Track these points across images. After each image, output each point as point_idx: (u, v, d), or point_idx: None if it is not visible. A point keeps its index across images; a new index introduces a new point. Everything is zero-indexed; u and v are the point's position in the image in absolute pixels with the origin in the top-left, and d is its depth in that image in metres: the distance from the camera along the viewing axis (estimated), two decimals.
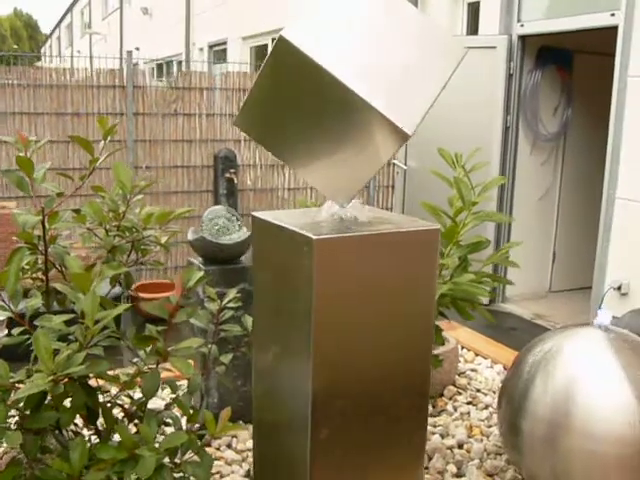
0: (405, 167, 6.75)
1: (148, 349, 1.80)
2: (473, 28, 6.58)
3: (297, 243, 1.49)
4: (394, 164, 6.93)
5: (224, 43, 12.73)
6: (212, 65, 12.37)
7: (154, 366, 1.84)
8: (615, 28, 4.83)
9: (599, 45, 5.66)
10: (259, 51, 11.76)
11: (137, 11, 18.71)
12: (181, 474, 1.84)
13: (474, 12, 6.52)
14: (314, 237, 1.43)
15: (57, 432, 1.97)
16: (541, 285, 6.58)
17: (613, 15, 4.86)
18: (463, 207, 2.26)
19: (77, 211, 2.06)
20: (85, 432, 2.06)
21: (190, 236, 2.71)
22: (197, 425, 1.99)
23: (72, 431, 2.03)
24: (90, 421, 1.91)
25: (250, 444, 2.48)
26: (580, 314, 5.76)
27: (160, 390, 2.54)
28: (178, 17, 14.95)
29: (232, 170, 6.01)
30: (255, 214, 1.69)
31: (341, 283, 1.51)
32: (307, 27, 1.36)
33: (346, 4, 1.44)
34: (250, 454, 2.53)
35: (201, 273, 1.89)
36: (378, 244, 1.53)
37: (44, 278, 1.99)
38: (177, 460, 1.84)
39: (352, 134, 1.42)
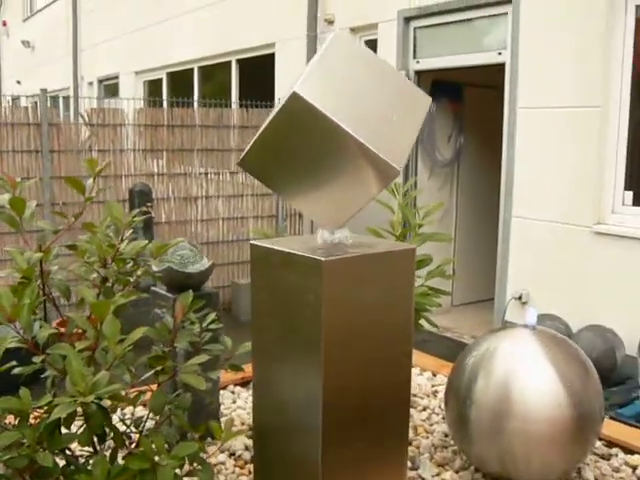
0: None
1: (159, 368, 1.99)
2: None
3: (305, 266, 1.75)
4: None
5: (116, 77, 12.73)
6: (102, 100, 12.31)
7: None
8: (502, 65, 5.41)
9: (486, 79, 6.28)
10: (152, 85, 11.85)
11: (17, 44, 18.26)
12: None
13: (372, 49, 7.02)
14: (323, 259, 1.70)
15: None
16: (444, 300, 7.09)
17: (500, 54, 5.44)
18: (408, 229, 2.60)
19: (72, 247, 2.23)
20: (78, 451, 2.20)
21: (154, 267, 2.89)
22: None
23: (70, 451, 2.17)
24: (100, 440, 2.06)
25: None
26: (483, 324, 6.27)
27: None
28: (64, 50, 14.76)
29: (148, 204, 6.13)
30: (254, 242, 1.94)
31: (344, 300, 1.78)
32: (315, 86, 1.64)
33: (338, 64, 1.74)
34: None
35: (190, 297, 2.14)
36: (372, 263, 1.81)
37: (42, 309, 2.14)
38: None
39: (349, 172, 1.70)
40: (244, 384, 3.67)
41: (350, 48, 1.81)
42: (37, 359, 1.91)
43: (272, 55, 8.39)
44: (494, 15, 5.51)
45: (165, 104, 9.72)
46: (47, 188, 5.69)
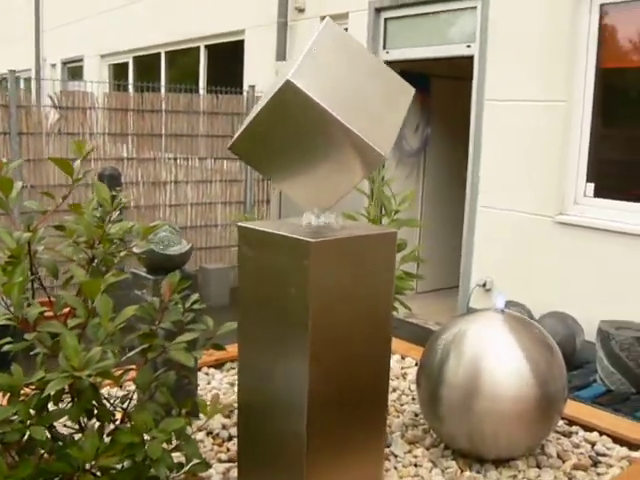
0: None
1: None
2: None
3: (293, 247, 1.82)
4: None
5: (80, 60, 12.57)
6: (67, 83, 12.16)
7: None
8: (471, 58, 5.53)
9: (453, 71, 6.41)
10: (118, 69, 11.76)
11: None
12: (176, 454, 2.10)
13: None
14: (312, 240, 1.78)
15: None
16: None
17: (469, 46, 5.56)
18: (384, 215, 2.70)
19: (59, 227, 2.27)
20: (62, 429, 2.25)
21: (136, 249, 2.94)
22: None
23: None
24: (88, 417, 2.11)
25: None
26: (447, 310, 6.43)
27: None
28: (25, 31, 14.51)
29: (118, 188, 6.12)
30: (241, 224, 2.01)
31: (331, 281, 1.85)
32: (308, 75, 1.71)
33: (328, 54, 1.81)
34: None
35: (178, 277, 2.20)
36: (357, 245, 1.90)
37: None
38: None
39: (337, 158, 1.78)
40: (218, 366, 3.74)
41: (339, 38, 1.88)
42: (29, 336, 1.95)
43: (241, 42, 8.40)
44: (464, 8, 5.63)
45: (131, 88, 9.65)
46: (16, 171, 5.64)
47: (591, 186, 4.96)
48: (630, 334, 4.30)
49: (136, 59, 11.05)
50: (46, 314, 2.08)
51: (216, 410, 2.15)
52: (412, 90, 1.95)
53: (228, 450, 2.78)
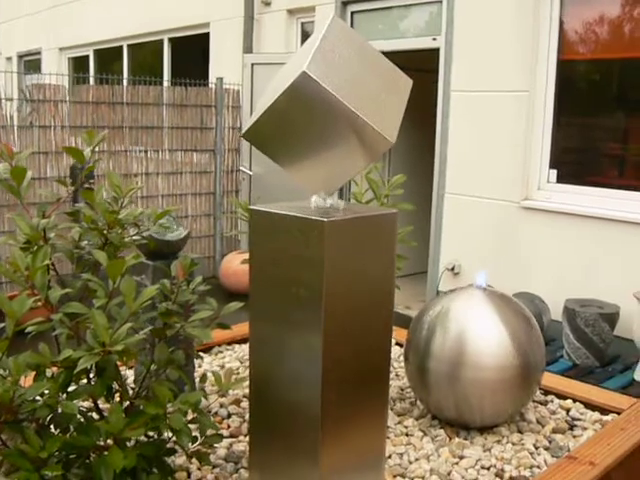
0: (251, 173, 7.28)
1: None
2: None
3: (307, 227, 1.97)
4: (240, 170, 7.43)
5: (38, 53, 12.42)
6: (23, 76, 12.00)
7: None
8: (436, 50, 5.73)
9: (420, 63, 6.59)
10: (78, 63, 11.66)
11: None
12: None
13: (309, 32, 7.22)
14: (326, 220, 1.93)
15: None
16: None
17: (435, 39, 5.76)
18: (374, 199, 2.86)
19: (71, 214, 2.38)
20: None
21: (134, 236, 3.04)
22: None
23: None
24: (109, 394, 2.22)
25: None
26: (417, 295, 6.65)
27: None
28: None
29: (91, 180, 6.17)
30: (253, 207, 2.14)
31: (342, 260, 2.00)
32: (320, 66, 1.85)
33: (335, 47, 1.96)
34: None
35: (189, 260, 2.33)
36: (365, 225, 2.05)
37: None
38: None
39: (346, 144, 1.93)
40: (205, 350, 3.86)
41: (345, 32, 2.03)
42: (56, 317, 2.06)
43: (206, 35, 8.46)
44: (430, 2, 5.82)
45: (92, 81, 9.61)
46: None
47: (554, 172, 5.21)
48: (594, 310, 4.56)
49: (97, 52, 10.99)
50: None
51: (231, 384, 2.29)
52: (410, 82, 2.11)
53: (229, 427, 2.92)
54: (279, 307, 2.13)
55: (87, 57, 11.21)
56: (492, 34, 5.33)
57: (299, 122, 1.94)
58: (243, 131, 2.04)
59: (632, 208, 4.74)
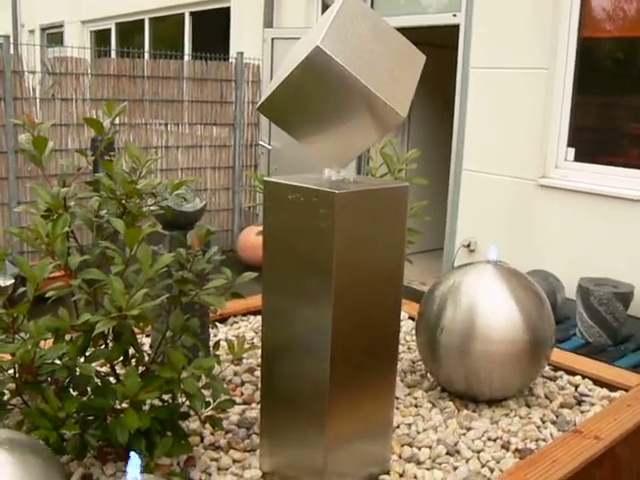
0: (270, 147, 7.31)
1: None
2: None
3: (319, 198, 2.01)
4: (259, 144, 7.47)
5: (60, 26, 12.48)
6: (46, 49, 12.08)
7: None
8: (456, 27, 5.70)
9: (437, 39, 6.57)
10: (100, 36, 11.71)
11: None
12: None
13: (327, 5, 7.20)
14: (337, 191, 1.97)
15: None
16: None
17: (455, 15, 5.73)
18: (387, 173, 2.89)
19: (91, 183, 2.44)
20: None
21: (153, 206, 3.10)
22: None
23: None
24: (125, 359, 2.30)
25: None
26: (432, 272, 6.68)
27: None
28: None
29: (112, 152, 6.24)
30: (267, 179, 2.19)
31: (351, 230, 2.05)
32: (334, 41, 1.88)
33: (349, 22, 1.99)
34: None
35: (205, 230, 2.39)
36: (376, 197, 2.09)
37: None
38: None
39: (358, 118, 1.96)
40: (221, 320, 3.94)
41: (358, 7, 2.05)
42: (75, 282, 2.13)
43: (227, 9, 8.46)
44: None
45: (114, 54, 9.67)
46: (11, 135, 5.74)
47: (572, 151, 5.20)
48: (608, 290, 4.57)
49: (118, 25, 11.03)
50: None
51: (244, 350, 2.36)
52: (423, 57, 2.14)
53: (242, 394, 3.00)
54: (291, 278, 2.18)
55: (109, 30, 11.26)
56: (512, 11, 5.29)
57: (313, 96, 1.98)
58: (258, 104, 2.09)
59: None
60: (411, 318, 3.95)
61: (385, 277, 2.24)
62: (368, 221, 2.10)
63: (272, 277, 2.27)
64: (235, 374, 3.19)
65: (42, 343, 2.09)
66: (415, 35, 6.77)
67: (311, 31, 2.16)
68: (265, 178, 2.18)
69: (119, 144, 6.54)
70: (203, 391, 2.26)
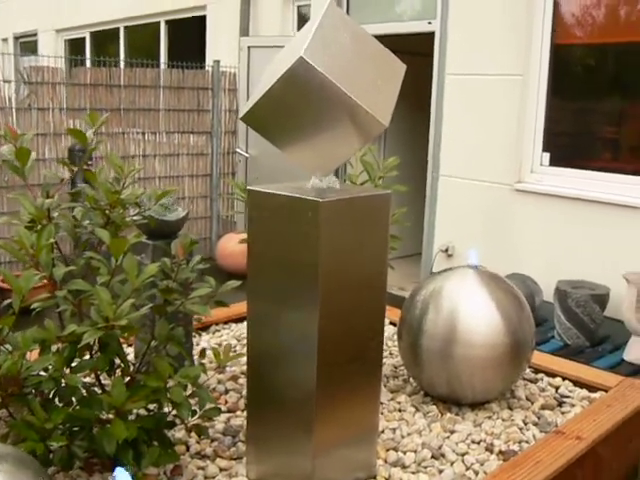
0: (247, 155, 7.33)
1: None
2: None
3: (303, 207, 2.03)
4: (237, 152, 7.48)
5: (34, 35, 12.38)
6: (20, 58, 11.98)
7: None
8: (432, 34, 5.77)
9: (412, 46, 6.62)
10: (74, 45, 11.63)
11: None
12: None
13: (305, 15, 7.24)
14: (320, 200, 1.99)
15: None
16: None
17: (430, 23, 5.79)
18: (368, 181, 2.92)
19: (74, 194, 2.44)
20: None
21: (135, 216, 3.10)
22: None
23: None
24: (110, 369, 2.29)
25: None
26: (410, 276, 6.72)
27: None
28: None
29: (90, 162, 6.21)
30: (251, 188, 2.20)
31: (336, 238, 2.07)
32: (316, 52, 1.91)
33: (331, 33, 2.01)
34: None
35: (189, 239, 2.40)
36: (360, 205, 2.11)
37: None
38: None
39: (341, 127, 1.99)
40: (203, 329, 3.94)
41: (339, 18, 2.08)
42: (60, 293, 2.13)
43: (203, 17, 8.47)
44: None
45: (89, 63, 9.62)
46: None
47: (547, 155, 5.28)
48: (585, 292, 4.65)
49: (93, 34, 10.97)
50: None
51: (229, 358, 2.37)
52: (403, 67, 2.17)
53: (226, 402, 3.00)
54: (276, 285, 2.20)
55: (83, 39, 11.19)
56: (487, 18, 5.37)
57: (296, 106, 2.00)
58: (241, 114, 2.10)
59: (623, 191, 4.81)
60: (392, 323, 3.98)
61: (369, 283, 2.27)
62: (352, 228, 2.12)
63: (257, 285, 2.28)
64: (219, 382, 3.19)
65: (27, 356, 2.09)
66: (390, 43, 6.83)
67: (293, 40, 2.19)
68: (249, 187, 2.20)
69: (96, 154, 6.51)
70: (189, 400, 2.27)
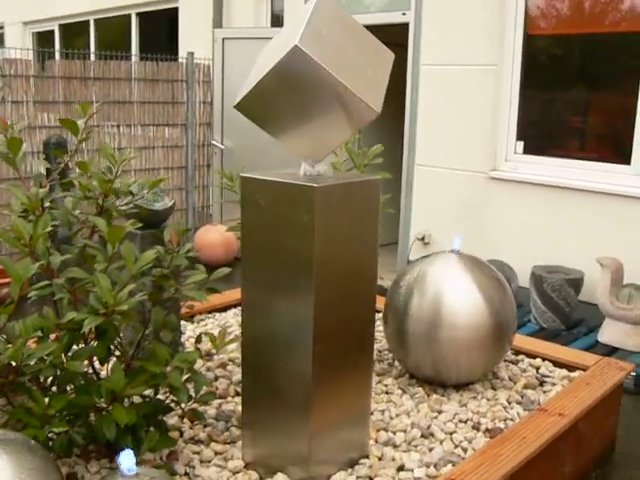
0: (222, 147, 7.33)
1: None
2: (275, 21, 7.36)
3: (298, 193, 2.07)
4: (212, 144, 7.48)
5: (1, 27, 12.20)
6: None
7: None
8: (406, 25, 5.84)
9: (387, 37, 6.69)
10: (42, 37, 11.49)
11: None
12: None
13: (276, 6, 7.27)
14: (316, 185, 2.04)
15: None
16: None
17: (404, 14, 5.86)
18: (354, 168, 2.98)
19: (66, 183, 2.46)
20: None
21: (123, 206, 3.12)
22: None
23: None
24: (106, 357, 2.32)
25: None
26: (387, 265, 6.79)
27: None
28: None
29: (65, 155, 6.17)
30: (245, 175, 2.24)
31: (330, 223, 2.12)
32: (310, 41, 1.95)
33: (323, 22, 2.06)
34: None
35: (183, 227, 2.43)
36: (353, 190, 2.16)
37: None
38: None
39: (334, 114, 2.04)
40: (187, 319, 3.97)
41: (331, 8, 2.13)
42: (58, 281, 2.15)
43: (175, 9, 8.43)
44: None
45: (58, 56, 9.50)
46: None
47: (521, 144, 5.39)
48: (560, 276, 4.77)
49: (62, 27, 10.85)
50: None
51: (225, 343, 2.41)
52: (392, 55, 2.23)
53: (217, 389, 3.04)
54: (271, 273, 2.24)
55: (52, 32, 11.06)
56: (461, 8, 5.45)
57: (289, 94, 2.04)
58: (235, 103, 2.14)
59: (593, 178, 4.93)
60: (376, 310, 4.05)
61: (361, 268, 2.32)
62: (346, 214, 2.18)
63: (251, 273, 2.32)
64: (208, 369, 3.23)
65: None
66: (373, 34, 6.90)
67: (284, 30, 2.23)
68: (242, 174, 2.24)
69: (71, 146, 6.46)
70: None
